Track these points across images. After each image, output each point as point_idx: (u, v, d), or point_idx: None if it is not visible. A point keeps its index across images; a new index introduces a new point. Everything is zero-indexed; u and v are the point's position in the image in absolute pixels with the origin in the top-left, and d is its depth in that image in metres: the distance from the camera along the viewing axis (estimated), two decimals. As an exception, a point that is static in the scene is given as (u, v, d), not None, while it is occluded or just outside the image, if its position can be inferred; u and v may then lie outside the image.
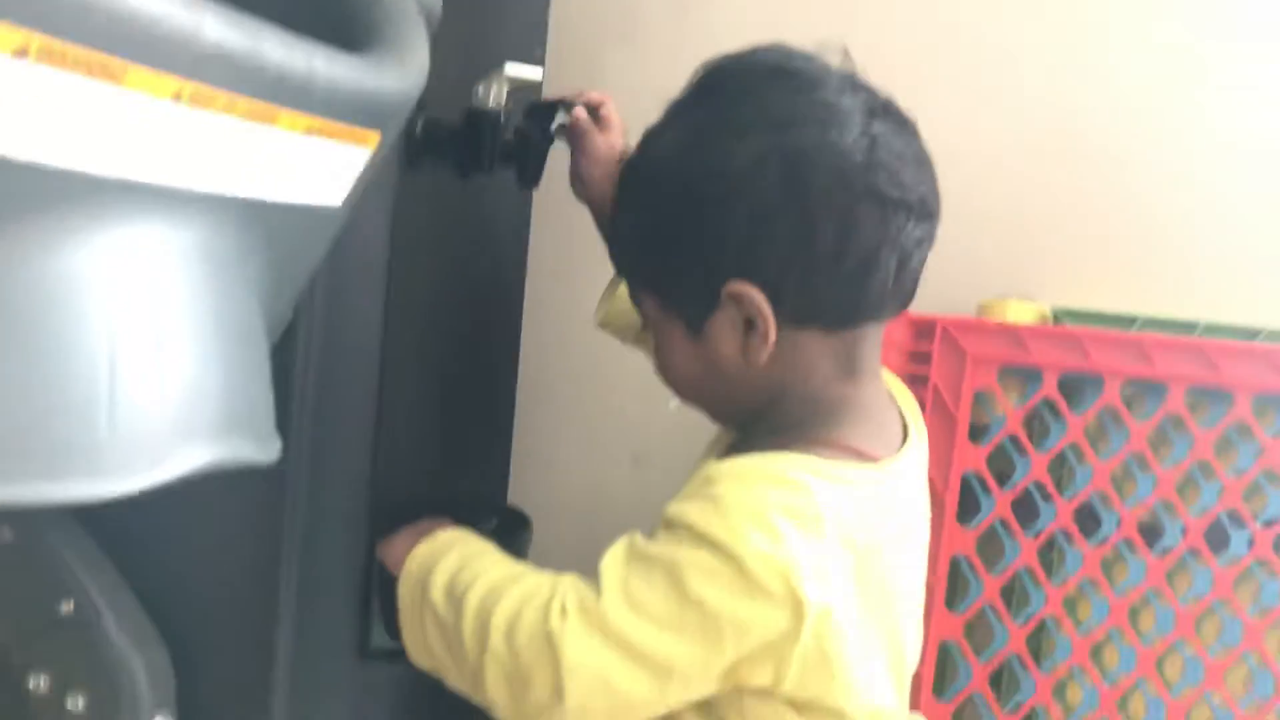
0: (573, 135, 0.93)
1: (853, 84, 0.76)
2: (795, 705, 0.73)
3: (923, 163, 0.76)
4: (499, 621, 0.74)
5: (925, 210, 0.76)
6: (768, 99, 0.75)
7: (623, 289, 0.98)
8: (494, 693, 0.75)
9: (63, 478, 0.46)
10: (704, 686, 0.72)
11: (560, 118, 0.94)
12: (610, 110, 0.95)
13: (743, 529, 0.69)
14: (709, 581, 0.69)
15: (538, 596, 0.73)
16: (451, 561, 0.80)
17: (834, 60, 0.78)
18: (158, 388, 0.49)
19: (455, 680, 0.79)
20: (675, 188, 0.76)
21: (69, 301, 0.47)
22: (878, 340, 0.81)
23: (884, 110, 0.76)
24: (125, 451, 0.47)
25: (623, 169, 0.82)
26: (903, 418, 0.82)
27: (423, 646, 0.80)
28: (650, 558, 0.71)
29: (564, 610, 0.72)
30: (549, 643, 0.71)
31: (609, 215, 0.94)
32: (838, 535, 0.71)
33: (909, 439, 0.81)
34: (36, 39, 0.41)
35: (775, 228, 0.73)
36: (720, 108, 0.76)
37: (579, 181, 0.94)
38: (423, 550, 0.83)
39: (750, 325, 0.75)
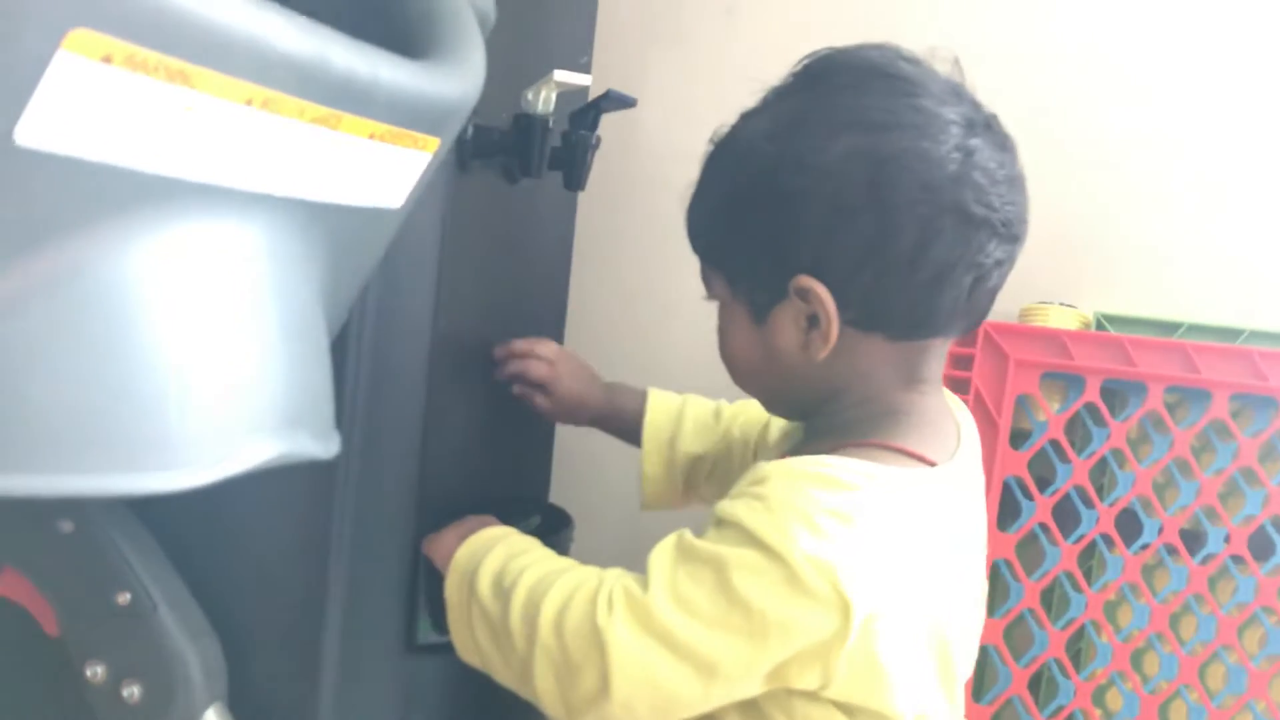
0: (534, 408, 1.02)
1: (956, 94, 0.75)
2: (844, 708, 0.73)
3: (1015, 183, 0.75)
4: (547, 614, 0.74)
5: (1010, 232, 0.74)
6: (866, 98, 0.74)
7: (649, 473, 1.03)
8: (542, 686, 0.75)
9: (133, 470, 0.48)
10: (749, 686, 0.72)
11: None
12: (542, 376, 1.01)
13: (791, 529, 0.68)
14: (755, 581, 0.69)
15: (585, 589, 0.74)
16: (498, 557, 0.81)
17: (943, 69, 0.77)
18: (225, 383, 0.50)
19: (503, 675, 0.80)
20: (760, 173, 0.75)
21: (141, 298, 0.49)
22: (942, 354, 0.80)
23: (984, 125, 0.74)
24: (194, 445, 0.49)
25: (713, 146, 0.81)
26: (958, 429, 0.82)
27: (470, 642, 0.81)
28: (698, 554, 0.72)
29: (611, 604, 0.72)
30: (596, 636, 0.71)
31: (616, 425, 1.05)
32: (888, 538, 0.71)
33: (961, 446, 0.81)
34: (120, 47, 0.42)
35: (853, 228, 0.72)
36: (818, 100, 0.75)
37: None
38: (469, 547, 0.83)
39: (813, 322, 0.75)
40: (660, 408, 1.04)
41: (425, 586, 0.90)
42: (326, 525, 0.86)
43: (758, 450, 0.99)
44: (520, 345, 1.01)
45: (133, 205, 0.48)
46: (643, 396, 1.04)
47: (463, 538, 0.85)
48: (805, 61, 0.79)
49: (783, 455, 0.83)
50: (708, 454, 1.02)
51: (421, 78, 0.58)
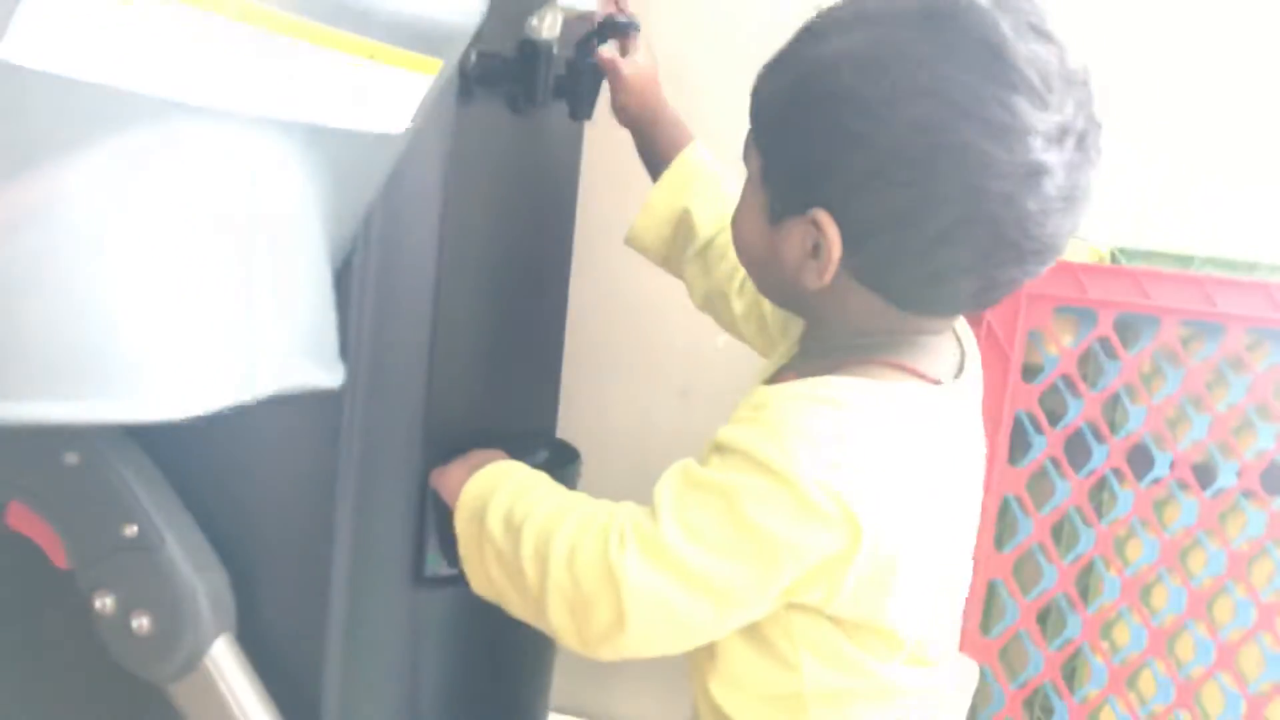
0: (604, 69, 0.97)
1: (1063, 93, 0.68)
2: (843, 625, 0.74)
3: (1071, 208, 0.69)
4: (559, 551, 0.74)
5: (1040, 259, 0.71)
6: (962, 72, 0.67)
7: (653, 201, 1.00)
8: (557, 621, 0.75)
9: (133, 397, 0.47)
10: (761, 608, 0.73)
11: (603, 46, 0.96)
12: (635, 38, 0.97)
13: (796, 452, 0.68)
14: (764, 506, 0.69)
15: (596, 525, 0.73)
16: (507, 493, 0.81)
17: (1070, 58, 0.70)
18: (226, 311, 0.49)
19: (518, 609, 0.80)
20: (828, 96, 0.70)
21: (138, 225, 0.48)
22: (950, 321, 0.79)
23: (1078, 136, 0.68)
24: (198, 374, 0.48)
25: (808, 29, 0.74)
26: (961, 349, 0.81)
27: (484, 577, 0.81)
28: (705, 484, 0.71)
29: (623, 539, 0.72)
30: (610, 572, 0.71)
31: (645, 138, 1.01)
32: (892, 457, 0.71)
33: (965, 369, 0.80)
34: (109, -41, 0.41)
35: (886, 196, 0.69)
36: (917, 47, 0.68)
37: (615, 109, 1.00)
38: (478, 482, 0.83)
39: (817, 251, 0.73)
40: (701, 158, 1.01)
41: (435, 520, 0.90)
42: (333, 458, 0.85)
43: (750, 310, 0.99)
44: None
45: (125, 127, 0.47)
46: (689, 137, 1.02)
47: (471, 472, 0.84)
48: None
49: (779, 371, 0.83)
50: (706, 236, 1.00)
51: (422, -3, 0.57)
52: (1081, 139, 0.69)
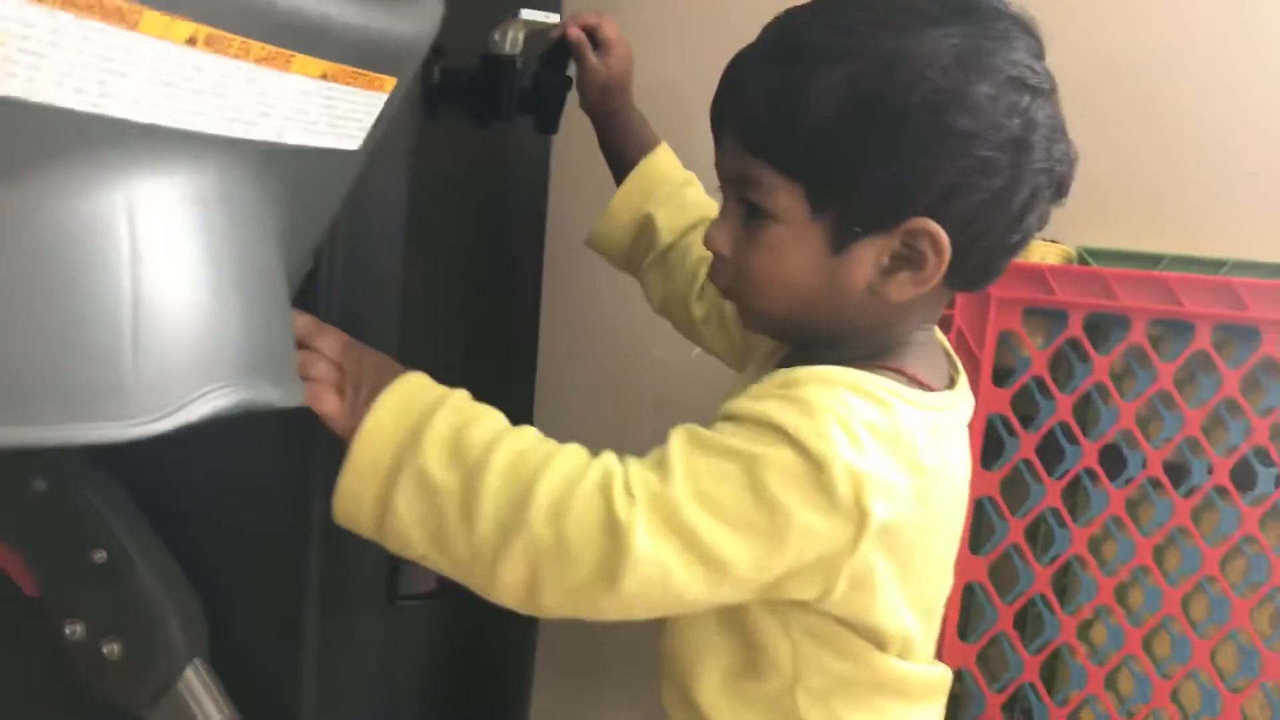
0: (573, 57, 0.98)
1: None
2: (831, 622, 0.73)
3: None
4: (542, 501, 0.67)
5: (1064, 185, 0.76)
6: (1022, 55, 0.72)
7: (615, 206, 1.00)
8: (510, 575, 0.68)
9: (88, 420, 0.47)
10: (749, 590, 0.70)
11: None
12: (608, 30, 0.97)
13: (831, 434, 0.66)
14: (787, 482, 0.66)
15: (591, 477, 0.68)
16: (445, 422, 0.71)
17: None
18: (180, 331, 0.49)
19: (434, 557, 0.71)
20: (924, 102, 0.69)
21: (90, 245, 0.47)
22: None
23: (1053, 89, 0.75)
24: (149, 393, 0.48)
25: (811, 52, 0.71)
26: (951, 362, 0.82)
27: (377, 512, 0.71)
28: (723, 450, 0.68)
29: (631, 496, 0.67)
30: (615, 530, 0.66)
31: (608, 135, 1.01)
32: (908, 455, 0.70)
33: (959, 382, 0.80)
34: (50, -17, 0.41)
35: (987, 182, 0.70)
36: (986, 40, 0.71)
37: (581, 99, 1.00)
38: (398, 399, 0.72)
39: (902, 262, 0.72)
40: (666, 164, 1.01)
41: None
42: (306, 478, 0.85)
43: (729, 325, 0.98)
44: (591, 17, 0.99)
45: (76, 149, 0.47)
46: (655, 138, 1.03)
47: (376, 389, 0.73)
48: None
49: (781, 362, 0.81)
50: (667, 241, 1.00)
51: (374, 15, 0.57)
52: (1054, 89, 0.75)
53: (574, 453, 0.71)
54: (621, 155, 1.01)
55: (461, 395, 0.74)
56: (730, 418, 0.70)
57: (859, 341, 0.76)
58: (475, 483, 0.68)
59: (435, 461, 0.69)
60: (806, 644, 0.74)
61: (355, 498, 0.72)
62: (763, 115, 0.72)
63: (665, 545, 0.67)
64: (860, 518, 0.67)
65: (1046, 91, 0.73)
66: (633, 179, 1.00)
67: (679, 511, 0.67)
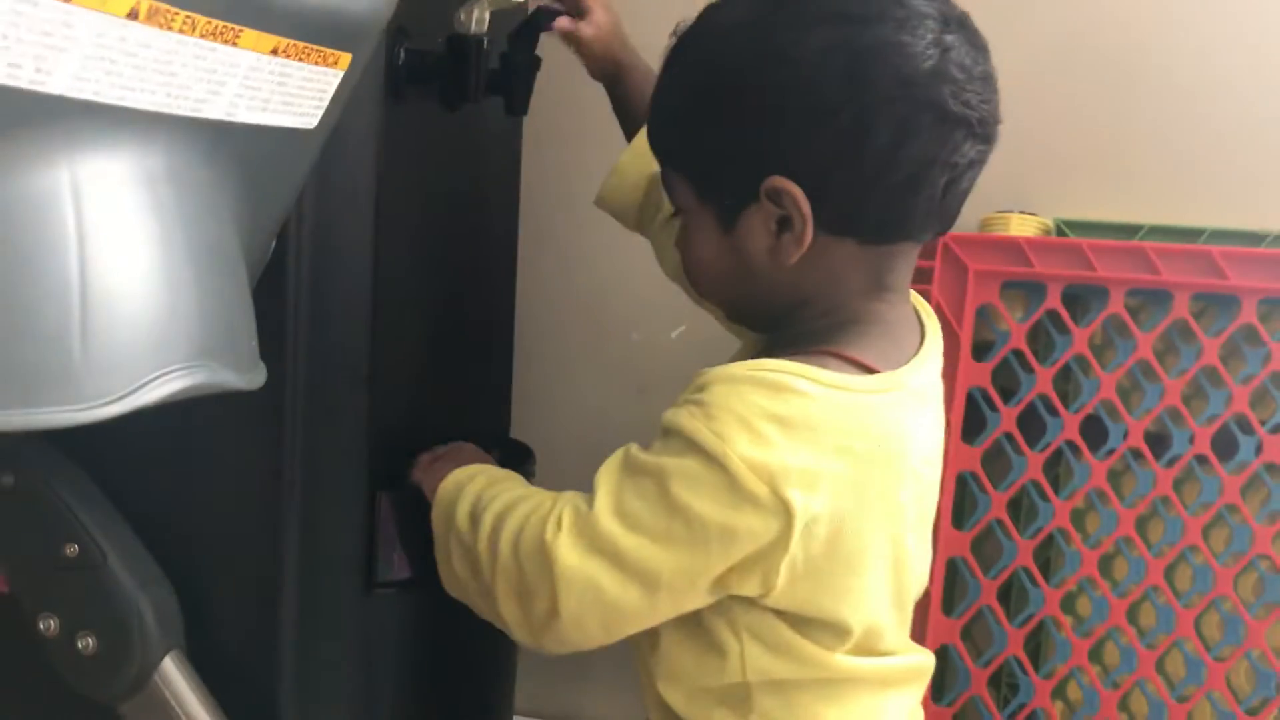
0: (565, 40, 0.97)
1: None
2: (784, 616, 0.73)
3: (989, 81, 0.73)
4: (507, 537, 0.75)
5: (984, 132, 0.72)
6: None
7: (624, 163, 0.97)
8: (505, 609, 0.76)
9: (38, 404, 0.46)
10: (694, 598, 0.72)
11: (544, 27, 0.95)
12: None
13: (729, 433, 0.68)
14: (695, 489, 0.68)
15: (539, 511, 0.74)
16: (477, 485, 0.81)
17: None
18: (130, 313, 0.48)
19: (479, 604, 0.80)
20: (731, 69, 0.72)
21: (36, 227, 0.46)
22: (911, 260, 0.78)
23: (958, 22, 0.72)
24: (100, 377, 0.47)
25: (675, 42, 0.78)
26: (923, 340, 0.80)
27: (450, 573, 0.82)
28: (642, 467, 0.71)
29: (559, 523, 0.72)
30: (545, 554, 0.72)
31: (618, 95, 0.99)
32: (831, 442, 0.70)
33: (919, 355, 0.78)
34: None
35: (829, 126, 0.70)
36: None
37: (589, 70, 0.99)
38: (454, 477, 0.83)
39: (784, 224, 0.72)
40: None
41: (399, 523, 0.90)
42: (277, 467, 0.84)
43: None
44: None
45: (16, 127, 0.46)
46: None
47: (453, 468, 0.85)
48: None
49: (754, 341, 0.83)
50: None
51: (326, -11, 0.56)
52: (962, 22, 0.73)
53: (542, 494, 0.77)
54: (633, 113, 0.99)
55: (499, 470, 0.85)
56: (661, 429, 0.73)
57: (803, 318, 0.76)
58: (476, 531, 0.78)
59: (464, 522, 0.79)
60: (753, 646, 0.74)
61: (437, 557, 0.83)
62: (652, 122, 0.80)
63: (590, 563, 0.71)
64: (783, 510, 0.68)
65: (876, 17, 0.70)
66: (641, 137, 0.97)
67: (598, 530, 0.71)
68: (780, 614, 0.73)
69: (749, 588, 0.71)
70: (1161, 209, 1.16)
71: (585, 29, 0.96)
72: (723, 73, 0.73)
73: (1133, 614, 1.12)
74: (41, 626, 0.81)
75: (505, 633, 0.80)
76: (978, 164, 0.74)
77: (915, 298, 0.83)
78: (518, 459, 1.04)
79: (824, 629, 0.73)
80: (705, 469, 0.68)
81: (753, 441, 0.67)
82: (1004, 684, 1.16)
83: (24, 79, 0.44)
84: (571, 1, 0.97)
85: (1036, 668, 1.14)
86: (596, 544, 0.71)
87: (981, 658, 1.14)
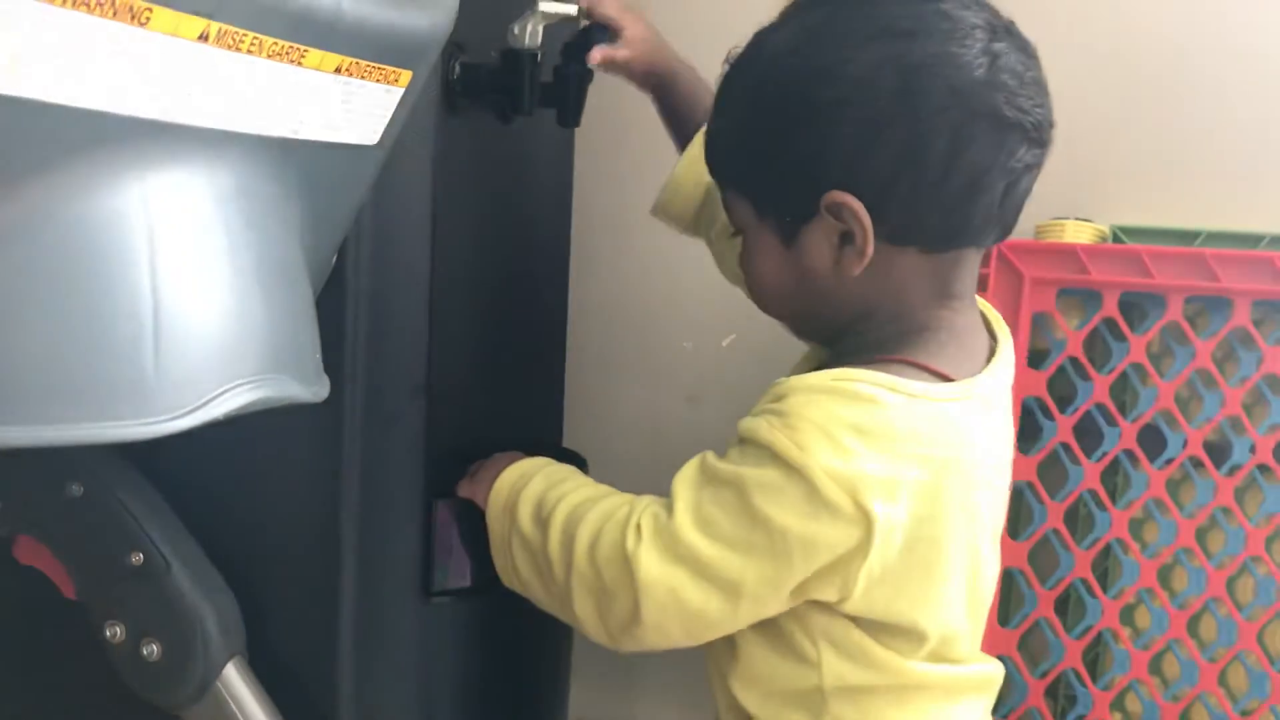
0: (605, 69, 0.96)
1: (976, 0, 0.74)
2: (861, 622, 0.73)
3: (1040, 86, 0.74)
4: (582, 543, 0.75)
5: (1039, 136, 0.73)
6: (891, 6, 0.73)
7: (680, 172, 0.97)
8: (581, 611, 0.77)
9: (111, 418, 0.47)
10: (776, 604, 0.73)
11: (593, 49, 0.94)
12: (608, 7, 0.94)
13: (811, 444, 0.68)
14: (776, 500, 0.69)
15: (617, 515, 0.75)
16: (538, 486, 0.82)
17: None
18: (201, 327, 0.49)
19: (545, 601, 0.81)
20: (784, 90, 0.74)
21: (109, 244, 0.48)
22: (975, 266, 0.78)
23: (1006, 30, 0.73)
24: (171, 390, 0.48)
25: (729, 69, 0.79)
26: (991, 345, 0.80)
27: (511, 570, 0.83)
28: (720, 476, 0.72)
29: (639, 530, 0.73)
30: (626, 562, 0.73)
31: (665, 106, 0.99)
32: (910, 451, 0.70)
33: (992, 362, 0.79)
34: (59, -18, 0.41)
35: (885, 139, 0.71)
36: (839, 11, 0.74)
37: (636, 86, 0.99)
38: (509, 477, 0.84)
39: (846, 238, 0.74)
40: None
41: (458, 528, 0.91)
42: (336, 475, 0.86)
43: None
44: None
45: (92, 148, 0.47)
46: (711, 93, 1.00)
47: (499, 471, 0.86)
48: None
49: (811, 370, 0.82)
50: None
51: (388, 9, 0.57)
52: (1009, 30, 0.74)
53: (617, 496, 0.78)
54: (682, 120, 0.99)
55: (556, 465, 0.86)
56: (738, 437, 0.74)
57: (870, 327, 0.77)
58: (545, 532, 0.79)
59: (527, 521, 0.80)
60: (829, 652, 0.75)
61: (495, 554, 0.85)
62: (709, 148, 0.82)
63: (672, 571, 0.72)
64: (864, 520, 0.68)
65: (924, 31, 0.71)
66: (695, 144, 0.96)
67: (680, 539, 0.72)
68: (856, 620, 0.73)
69: (827, 593, 0.72)
70: (1219, 214, 1.14)
71: (620, 53, 0.95)
72: (777, 95, 0.74)
73: (1193, 626, 1.11)
74: (107, 634, 0.83)
75: (576, 629, 0.81)
76: (1034, 168, 0.75)
77: (984, 305, 0.83)
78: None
79: (900, 635, 0.74)
80: (786, 479, 0.69)
81: (834, 452, 0.68)
82: (1061, 695, 1.14)
83: (100, 100, 0.45)
84: (603, 26, 0.95)
85: (1095, 679, 1.12)
86: (678, 553, 0.72)
87: (1038, 669, 1.13)
